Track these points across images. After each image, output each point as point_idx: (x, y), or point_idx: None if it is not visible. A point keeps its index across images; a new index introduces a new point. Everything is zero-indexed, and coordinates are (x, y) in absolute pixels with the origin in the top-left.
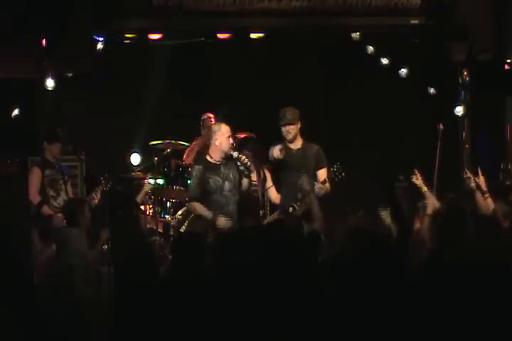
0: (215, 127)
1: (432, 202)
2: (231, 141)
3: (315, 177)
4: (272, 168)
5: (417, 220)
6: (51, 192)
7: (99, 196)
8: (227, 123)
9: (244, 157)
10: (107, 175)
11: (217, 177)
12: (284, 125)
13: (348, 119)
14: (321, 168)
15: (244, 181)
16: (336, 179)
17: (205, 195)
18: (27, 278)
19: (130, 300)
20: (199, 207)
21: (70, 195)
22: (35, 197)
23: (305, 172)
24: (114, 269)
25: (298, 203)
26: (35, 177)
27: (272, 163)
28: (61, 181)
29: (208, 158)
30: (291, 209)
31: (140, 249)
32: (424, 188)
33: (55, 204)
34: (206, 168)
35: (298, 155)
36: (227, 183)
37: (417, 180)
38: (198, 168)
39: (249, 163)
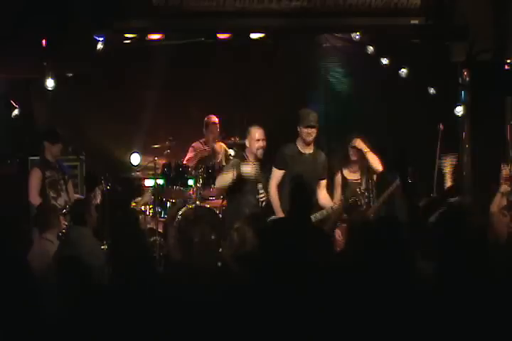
0: (250, 128)
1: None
2: (261, 144)
3: (316, 186)
4: (284, 170)
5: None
6: (52, 193)
7: (99, 196)
8: (261, 125)
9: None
10: (107, 175)
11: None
12: (307, 127)
13: (347, 119)
14: (323, 179)
15: None
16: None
17: (238, 192)
18: (27, 278)
19: (129, 300)
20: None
21: (71, 195)
22: (35, 199)
23: (314, 178)
24: (114, 269)
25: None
26: (36, 178)
27: (285, 165)
28: (62, 181)
29: (246, 156)
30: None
31: (140, 249)
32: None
33: (56, 204)
34: (242, 162)
35: (310, 160)
36: (260, 186)
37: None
38: (236, 160)
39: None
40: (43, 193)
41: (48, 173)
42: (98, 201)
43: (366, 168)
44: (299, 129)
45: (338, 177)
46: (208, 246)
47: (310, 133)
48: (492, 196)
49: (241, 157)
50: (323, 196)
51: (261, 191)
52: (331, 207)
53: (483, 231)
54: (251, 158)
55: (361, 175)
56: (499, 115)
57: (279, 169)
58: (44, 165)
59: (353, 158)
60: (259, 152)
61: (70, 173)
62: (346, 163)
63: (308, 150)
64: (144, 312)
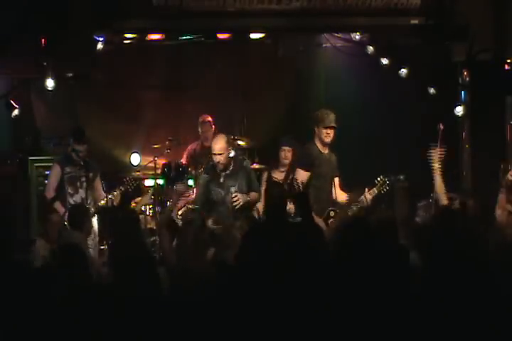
0: (213, 140)
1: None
2: (218, 158)
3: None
4: (307, 171)
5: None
6: (69, 190)
7: (118, 197)
8: (225, 136)
9: (236, 199)
10: (129, 178)
11: (219, 189)
12: (327, 128)
13: (347, 119)
14: (336, 176)
15: (252, 194)
16: (382, 192)
17: (209, 205)
18: (27, 278)
19: (130, 301)
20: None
21: (99, 193)
22: (49, 193)
23: (333, 177)
24: (114, 269)
25: (337, 210)
26: (54, 174)
27: (312, 167)
28: (83, 179)
29: (216, 167)
30: (332, 213)
31: (140, 249)
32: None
33: (71, 201)
34: (211, 177)
35: (327, 159)
36: (233, 189)
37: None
38: (203, 176)
39: (238, 205)
40: (61, 188)
41: (67, 169)
42: (117, 202)
43: None
44: (316, 130)
45: None
46: (206, 248)
47: (329, 133)
48: (492, 196)
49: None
50: (339, 193)
51: (234, 194)
52: (361, 201)
53: (484, 230)
54: (219, 168)
55: None
56: (499, 115)
57: (306, 170)
58: (65, 161)
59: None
60: (219, 167)
61: (96, 172)
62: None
63: (326, 150)
64: (144, 313)
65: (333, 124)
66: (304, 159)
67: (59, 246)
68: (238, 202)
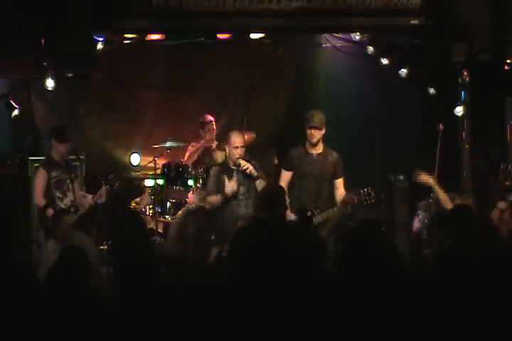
0: (230, 134)
1: (443, 198)
2: (239, 152)
3: (332, 185)
4: (292, 171)
5: (416, 220)
6: (58, 194)
7: (104, 195)
8: (242, 131)
9: (244, 164)
10: (114, 176)
11: (231, 180)
12: (311, 128)
13: (347, 119)
14: (338, 178)
15: (257, 183)
16: (365, 202)
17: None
18: (29, 278)
19: (130, 300)
20: (216, 199)
21: (78, 194)
22: (40, 200)
23: (323, 178)
24: (114, 269)
25: (318, 210)
26: (41, 179)
27: (292, 166)
28: (68, 181)
29: (227, 163)
30: (309, 213)
31: (140, 249)
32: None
33: (62, 205)
34: (223, 170)
35: (318, 160)
36: (241, 188)
37: (423, 178)
38: (215, 168)
39: (250, 171)
40: (49, 194)
41: (53, 173)
42: (103, 201)
43: None
44: (305, 130)
45: None
46: (207, 246)
47: (313, 134)
48: (491, 196)
49: (222, 165)
50: (339, 195)
51: (243, 163)
52: (335, 207)
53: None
54: (232, 164)
55: None
56: (499, 115)
57: (287, 170)
58: (50, 165)
59: None
60: (239, 161)
61: (76, 172)
62: None
63: (316, 151)
64: (144, 313)
65: (315, 125)
66: (285, 159)
67: (63, 249)
68: (246, 166)
